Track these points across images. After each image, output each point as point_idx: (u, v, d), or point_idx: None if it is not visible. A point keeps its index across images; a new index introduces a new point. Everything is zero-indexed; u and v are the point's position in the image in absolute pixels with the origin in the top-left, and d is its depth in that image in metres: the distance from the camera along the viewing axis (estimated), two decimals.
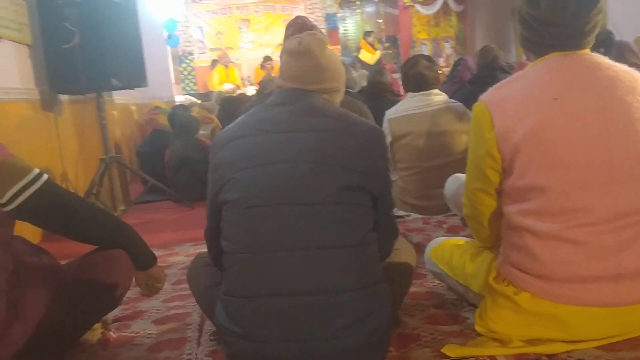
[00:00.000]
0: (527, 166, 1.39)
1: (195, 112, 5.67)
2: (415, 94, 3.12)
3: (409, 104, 3.14)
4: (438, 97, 3.10)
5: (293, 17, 2.42)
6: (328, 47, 1.58)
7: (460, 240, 1.83)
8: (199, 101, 8.15)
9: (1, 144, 1.48)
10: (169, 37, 7.94)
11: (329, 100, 1.56)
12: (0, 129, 3.16)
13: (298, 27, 2.30)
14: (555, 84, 1.41)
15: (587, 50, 1.47)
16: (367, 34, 9.92)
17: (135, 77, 4.10)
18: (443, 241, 1.86)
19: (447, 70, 7.26)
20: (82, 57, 3.64)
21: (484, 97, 1.48)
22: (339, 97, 1.61)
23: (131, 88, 4.18)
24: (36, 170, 1.49)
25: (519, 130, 1.38)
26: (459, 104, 3.10)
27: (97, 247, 1.70)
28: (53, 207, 1.52)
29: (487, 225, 1.59)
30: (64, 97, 4.10)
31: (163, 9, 8.46)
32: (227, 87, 9.28)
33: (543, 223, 1.39)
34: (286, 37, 2.35)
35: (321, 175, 1.39)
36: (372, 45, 9.65)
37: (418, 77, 3.08)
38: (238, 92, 9.13)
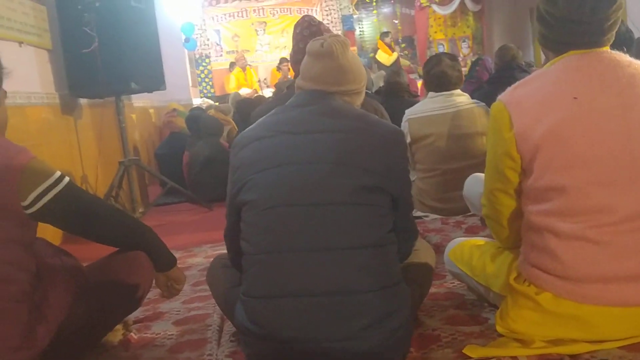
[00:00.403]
0: (547, 166, 1.37)
1: (211, 114, 5.72)
2: (437, 94, 3.05)
3: (430, 105, 3.07)
4: (460, 97, 3.03)
5: (300, 18, 2.42)
6: (350, 49, 1.58)
7: (479, 240, 1.82)
8: (216, 103, 8.20)
9: (24, 147, 1.50)
10: (187, 40, 8.00)
11: (349, 102, 1.56)
12: (21, 133, 3.20)
13: (305, 25, 2.31)
14: (574, 83, 1.40)
15: (607, 48, 1.45)
16: (384, 34, 9.87)
17: (154, 80, 4.14)
18: (462, 242, 1.85)
19: (464, 70, 7.24)
20: (101, 61, 3.69)
21: (502, 96, 1.47)
22: (359, 99, 1.61)
23: (150, 91, 4.22)
24: (58, 173, 1.51)
25: (539, 129, 1.37)
26: (482, 104, 3.02)
27: (117, 249, 1.72)
28: (74, 209, 1.54)
29: (506, 225, 1.57)
30: (83, 101, 4.15)
31: (180, 13, 8.54)
32: (244, 91, 9.31)
33: (564, 223, 1.37)
34: (294, 36, 2.35)
35: (340, 175, 1.39)
36: (389, 46, 9.60)
37: (441, 76, 3.01)
38: (255, 95, 9.19)
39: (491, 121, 1.50)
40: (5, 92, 1.62)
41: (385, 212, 1.43)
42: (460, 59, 10.44)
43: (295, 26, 2.37)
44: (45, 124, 3.60)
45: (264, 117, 1.56)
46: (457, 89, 3.06)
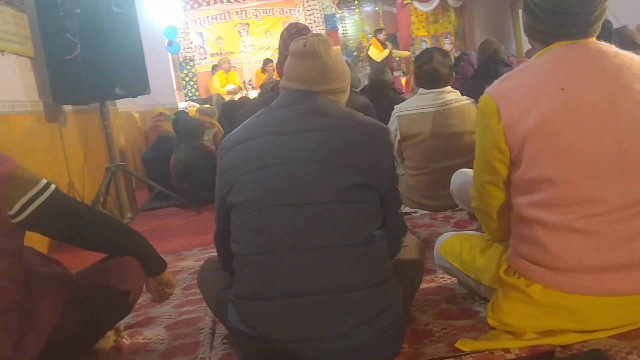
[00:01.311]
0: (536, 157, 1.38)
1: (195, 117, 5.71)
2: (428, 91, 3.03)
3: (420, 102, 3.05)
4: (450, 94, 3.02)
5: (288, 23, 2.44)
6: (333, 48, 1.58)
7: (469, 234, 1.83)
8: (205, 105, 8.16)
9: (8, 156, 1.48)
10: (170, 44, 7.97)
11: (334, 100, 1.56)
12: (5, 142, 3.18)
13: (292, 31, 2.33)
14: (561, 74, 1.41)
15: (594, 39, 1.46)
16: (377, 31, 9.88)
17: (138, 84, 4.12)
18: (452, 236, 1.86)
19: None
20: (84, 67, 3.67)
21: (490, 89, 1.48)
22: (344, 98, 1.61)
23: (134, 96, 4.19)
24: (44, 181, 1.49)
25: (527, 121, 1.38)
26: (471, 100, 3.01)
27: (106, 255, 1.71)
28: (62, 216, 1.53)
29: (496, 218, 1.58)
30: (67, 108, 4.12)
31: (162, 16, 8.49)
32: (229, 87, 9.29)
33: (553, 214, 1.38)
34: (280, 44, 2.36)
35: (327, 174, 1.39)
36: (382, 43, 9.61)
37: (433, 73, 2.99)
38: (240, 93, 9.17)
39: (479, 114, 1.51)
40: None
41: (374, 209, 1.43)
42: None
43: (282, 34, 2.38)
44: (30, 132, 3.57)
45: (250, 118, 1.56)
46: (447, 85, 3.04)
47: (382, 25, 11.32)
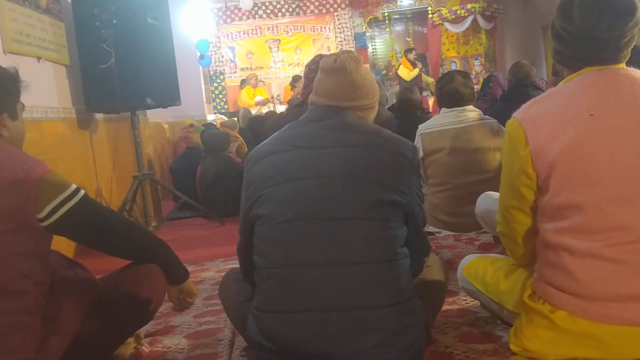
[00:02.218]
0: (563, 184, 1.36)
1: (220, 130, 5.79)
2: (450, 110, 3.09)
3: (442, 120, 3.10)
4: (472, 113, 3.07)
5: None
6: (363, 64, 1.59)
7: (493, 257, 1.81)
8: (222, 117, 8.27)
9: (40, 160, 1.51)
10: (201, 57, 8.09)
11: (363, 117, 1.57)
12: (37, 147, 3.25)
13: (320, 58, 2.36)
14: (590, 100, 1.39)
15: (623, 65, 1.44)
16: (407, 51, 9.92)
17: (169, 96, 4.18)
18: (476, 258, 1.84)
19: (476, 87, 7.17)
20: (117, 76, 3.74)
21: (517, 114, 1.47)
22: (372, 114, 1.62)
23: (165, 106, 4.26)
24: (74, 186, 1.52)
25: (555, 147, 1.36)
26: (493, 120, 3.06)
27: (131, 261, 1.73)
28: (90, 221, 1.55)
29: (521, 243, 1.56)
30: (99, 116, 4.20)
31: (196, 30, 8.64)
32: (258, 99, 9.39)
33: (580, 241, 1.36)
34: (305, 73, 2.39)
35: (353, 190, 1.39)
36: (412, 62, 9.64)
37: (453, 94, 3.05)
38: (268, 105, 9.25)
39: (506, 138, 1.50)
40: (23, 105, 1.65)
41: (398, 227, 1.43)
42: (472, 76, 10.48)
43: (308, 64, 2.41)
44: (62, 138, 3.64)
45: (278, 132, 1.57)
46: (469, 105, 3.08)
47: (412, 45, 11.35)
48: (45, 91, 3.53)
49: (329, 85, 1.55)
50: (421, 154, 3.10)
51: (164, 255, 1.71)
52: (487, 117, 3.10)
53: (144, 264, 1.68)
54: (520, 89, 3.58)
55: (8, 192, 1.40)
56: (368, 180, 1.41)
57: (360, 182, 1.40)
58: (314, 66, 2.33)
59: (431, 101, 7.63)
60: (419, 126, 3.17)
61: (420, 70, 9.68)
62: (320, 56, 2.48)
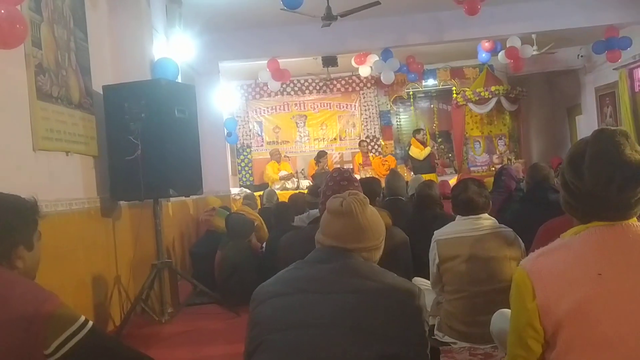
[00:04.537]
0: (571, 344, 1.34)
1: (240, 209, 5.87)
2: (465, 217, 3.11)
3: (458, 227, 3.12)
4: (487, 221, 3.08)
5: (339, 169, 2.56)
6: (369, 206, 1.62)
7: None
8: (246, 191, 8.40)
9: (51, 294, 1.54)
10: (229, 134, 8.30)
11: (368, 257, 1.58)
12: (60, 239, 3.32)
13: (337, 173, 2.43)
14: (599, 259, 1.38)
15: (634, 220, 1.43)
16: (416, 132, 10.15)
17: (192, 186, 4.28)
18: None
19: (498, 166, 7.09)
20: (142, 167, 3.86)
21: (525, 264, 1.46)
22: (378, 254, 1.63)
23: (187, 196, 4.36)
24: (82, 319, 1.54)
25: (562, 306, 1.34)
26: (509, 229, 3.06)
27: None
28: (97, 355, 1.56)
29: None
30: (123, 203, 4.29)
31: (225, 104, 8.91)
32: (282, 174, 9.54)
33: None
34: (323, 189, 2.44)
35: (356, 344, 1.39)
36: (421, 142, 9.83)
37: (468, 202, 3.08)
38: (292, 179, 9.37)
39: (514, 288, 1.49)
40: (40, 233, 1.69)
41: None
42: (496, 156, 10.52)
43: (326, 178, 2.47)
44: (85, 228, 3.73)
45: (283, 271, 1.60)
46: (484, 213, 3.09)
47: (436, 122, 11.48)
48: (72, 183, 3.65)
49: (335, 227, 1.58)
50: (437, 260, 3.09)
51: None
52: (502, 225, 3.11)
53: None
54: (539, 192, 3.57)
55: (17, 328, 1.43)
56: (371, 332, 1.40)
57: (362, 335, 1.40)
58: (331, 183, 2.38)
59: (452, 181, 7.57)
60: (435, 232, 3.17)
61: (432, 149, 9.80)
62: (338, 170, 2.54)
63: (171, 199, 5.46)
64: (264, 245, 5.01)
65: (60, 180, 3.39)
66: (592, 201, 1.41)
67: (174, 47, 5.43)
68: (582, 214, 1.46)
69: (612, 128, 1.42)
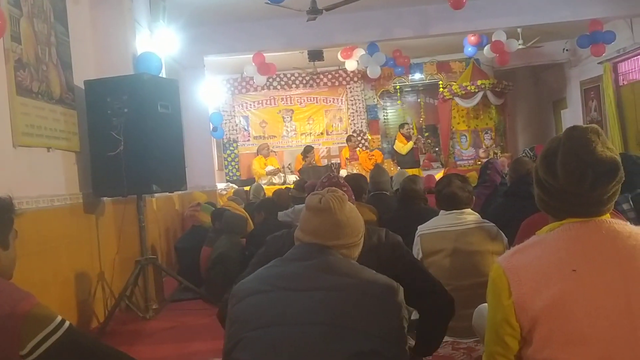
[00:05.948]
0: (547, 340, 1.34)
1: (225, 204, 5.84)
2: (448, 212, 3.13)
3: (441, 221, 3.14)
4: (470, 216, 3.10)
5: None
6: (347, 203, 1.62)
7: None
8: (233, 186, 8.38)
9: (27, 293, 1.53)
10: (214, 129, 8.25)
11: (347, 254, 1.58)
12: (42, 236, 3.28)
13: (326, 179, 2.41)
14: (573, 254, 1.38)
15: (607, 216, 1.44)
16: (401, 126, 10.23)
17: (175, 181, 4.25)
18: None
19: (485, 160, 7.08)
20: (125, 163, 3.83)
21: (501, 261, 1.46)
22: (357, 251, 1.63)
23: (170, 192, 4.32)
24: (59, 319, 1.53)
25: (537, 302, 1.35)
26: (491, 224, 3.08)
27: None
28: (74, 355, 1.55)
29: None
30: (106, 198, 4.26)
31: (211, 98, 8.84)
32: (269, 169, 9.54)
33: None
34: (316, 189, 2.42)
35: (334, 340, 1.39)
36: (405, 136, 9.91)
37: (452, 197, 3.10)
38: (279, 174, 9.36)
39: (490, 285, 1.49)
40: (16, 232, 1.67)
41: None
42: (482, 149, 10.55)
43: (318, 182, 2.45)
44: (67, 224, 3.69)
45: (263, 268, 1.59)
46: (468, 208, 3.11)
47: (423, 116, 11.51)
48: (54, 179, 3.61)
49: (313, 223, 1.58)
50: (420, 254, 3.10)
51: None
52: (484, 220, 3.13)
53: None
54: (522, 186, 3.59)
55: None
56: (349, 327, 1.40)
57: (340, 331, 1.40)
58: (320, 189, 2.37)
59: (438, 175, 7.60)
60: (419, 227, 3.18)
61: (414, 143, 9.86)
62: (328, 176, 2.52)
63: (156, 194, 5.44)
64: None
65: (41, 176, 3.36)
66: (566, 198, 1.42)
67: (157, 41, 5.37)
68: (556, 211, 1.47)
69: (584, 126, 1.44)
